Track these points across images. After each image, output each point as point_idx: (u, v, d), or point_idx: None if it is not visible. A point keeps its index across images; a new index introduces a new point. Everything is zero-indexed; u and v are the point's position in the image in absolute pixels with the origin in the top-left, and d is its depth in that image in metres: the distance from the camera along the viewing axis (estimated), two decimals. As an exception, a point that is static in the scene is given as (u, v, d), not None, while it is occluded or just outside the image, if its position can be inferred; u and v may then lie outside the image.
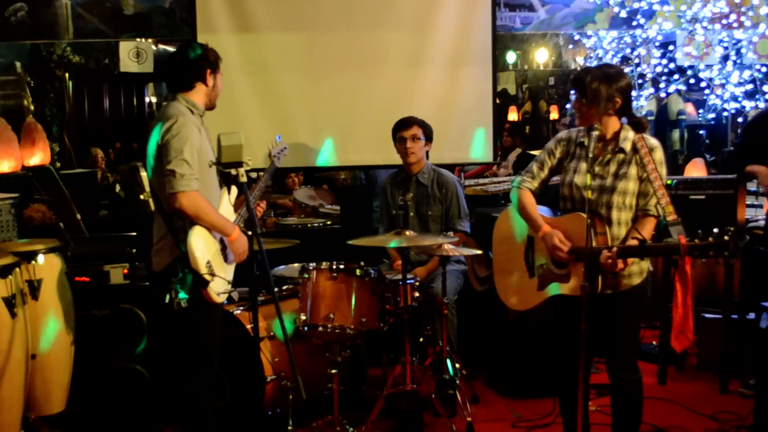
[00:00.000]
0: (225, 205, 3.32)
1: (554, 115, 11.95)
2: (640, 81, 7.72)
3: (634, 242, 2.91)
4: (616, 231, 3.04)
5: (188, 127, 3.13)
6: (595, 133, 2.98)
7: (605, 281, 3.00)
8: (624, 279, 3.06)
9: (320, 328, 3.60)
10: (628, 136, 3.06)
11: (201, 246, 3.08)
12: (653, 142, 3.06)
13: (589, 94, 3.02)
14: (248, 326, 3.72)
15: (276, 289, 4.01)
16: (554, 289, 3.11)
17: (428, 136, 4.44)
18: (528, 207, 3.20)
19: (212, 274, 3.09)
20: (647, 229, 3.02)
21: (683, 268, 2.89)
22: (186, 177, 3.06)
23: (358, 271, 3.67)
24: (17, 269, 3.38)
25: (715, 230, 2.74)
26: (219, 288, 3.13)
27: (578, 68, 9.63)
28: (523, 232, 3.26)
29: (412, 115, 4.47)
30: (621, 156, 3.05)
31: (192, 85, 3.26)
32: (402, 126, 4.40)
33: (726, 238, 2.70)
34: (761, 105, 6.89)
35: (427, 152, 4.52)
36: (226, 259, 3.22)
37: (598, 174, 3.06)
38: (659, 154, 3.03)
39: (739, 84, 7.07)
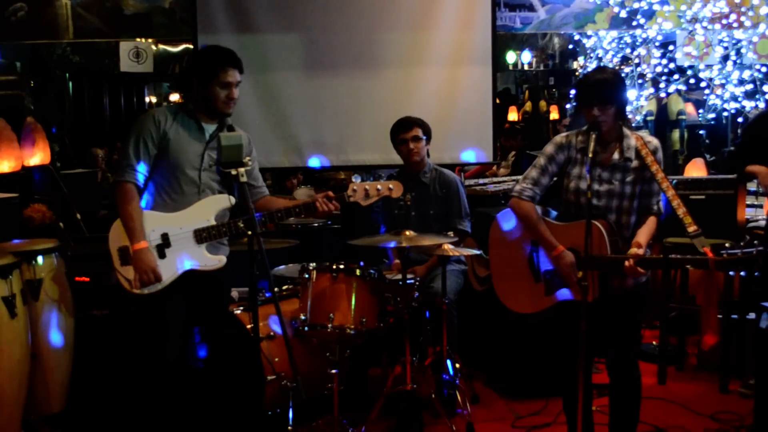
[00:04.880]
0: (205, 209, 3.25)
1: (554, 115, 11.92)
2: (640, 81, 7.72)
3: (638, 248, 2.91)
4: (624, 234, 3.04)
5: (142, 119, 3.23)
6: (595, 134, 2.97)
7: (612, 282, 3.00)
8: (631, 279, 3.04)
9: (320, 328, 3.60)
10: (630, 140, 3.04)
11: (116, 232, 3.17)
12: (655, 143, 3.06)
13: (607, 98, 2.96)
14: (248, 326, 3.71)
15: (276, 289, 4.01)
16: (565, 294, 3.10)
17: (428, 135, 4.43)
18: (535, 222, 3.13)
19: (124, 263, 3.14)
20: (651, 228, 3.03)
21: (711, 279, 2.83)
22: (122, 166, 3.19)
23: (358, 271, 3.66)
24: (17, 269, 3.38)
25: (742, 243, 2.71)
26: (131, 278, 3.13)
27: (579, 68, 9.60)
28: (526, 237, 3.23)
29: (412, 114, 4.46)
30: (627, 160, 3.04)
31: (188, 87, 3.31)
32: (401, 128, 4.36)
33: (754, 253, 2.65)
34: (761, 105, 6.88)
35: (427, 151, 4.51)
36: (162, 256, 3.18)
37: (605, 179, 3.05)
38: (660, 155, 3.03)
39: (739, 84, 7.06)
